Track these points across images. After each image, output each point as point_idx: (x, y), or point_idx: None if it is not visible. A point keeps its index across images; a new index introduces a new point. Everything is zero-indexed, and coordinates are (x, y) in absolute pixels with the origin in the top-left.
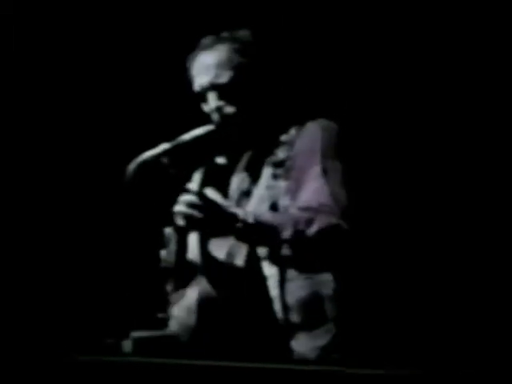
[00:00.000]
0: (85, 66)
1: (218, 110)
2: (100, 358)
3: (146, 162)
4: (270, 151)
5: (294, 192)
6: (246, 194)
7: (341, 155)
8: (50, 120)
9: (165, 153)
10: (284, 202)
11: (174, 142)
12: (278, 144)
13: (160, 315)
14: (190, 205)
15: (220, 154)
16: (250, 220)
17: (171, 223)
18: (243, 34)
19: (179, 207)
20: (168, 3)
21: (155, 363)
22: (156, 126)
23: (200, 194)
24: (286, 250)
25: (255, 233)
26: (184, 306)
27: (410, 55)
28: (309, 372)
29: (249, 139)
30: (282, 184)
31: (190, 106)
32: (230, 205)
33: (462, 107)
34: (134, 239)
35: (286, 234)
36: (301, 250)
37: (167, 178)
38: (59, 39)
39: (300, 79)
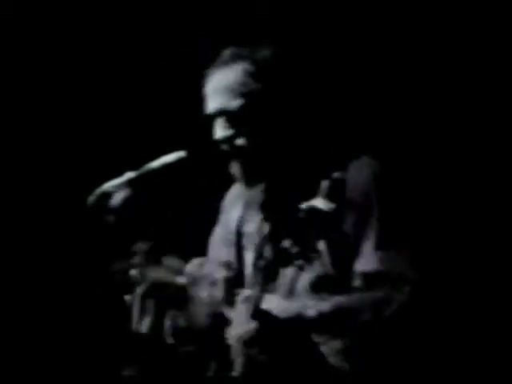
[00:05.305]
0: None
1: (227, 140)
2: None
3: (107, 194)
4: (300, 193)
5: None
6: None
7: (401, 201)
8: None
9: (129, 183)
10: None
11: (140, 171)
12: (307, 186)
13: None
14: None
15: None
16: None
17: (134, 265)
18: (263, 54)
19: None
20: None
21: None
22: (121, 150)
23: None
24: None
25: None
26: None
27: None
28: None
29: (264, 172)
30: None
31: (159, 127)
32: None
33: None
34: (94, 282)
35: (366, 316)
36: (377, 331)
37: (134, 212)
38: (58, 40)
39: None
